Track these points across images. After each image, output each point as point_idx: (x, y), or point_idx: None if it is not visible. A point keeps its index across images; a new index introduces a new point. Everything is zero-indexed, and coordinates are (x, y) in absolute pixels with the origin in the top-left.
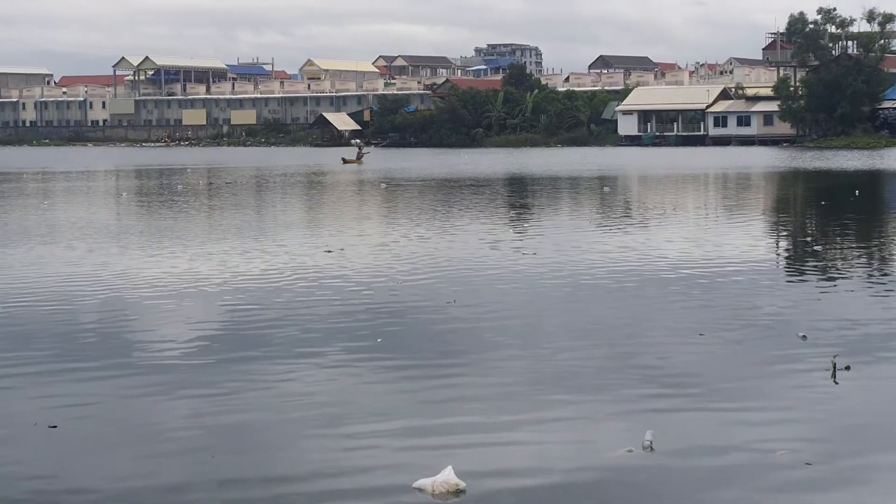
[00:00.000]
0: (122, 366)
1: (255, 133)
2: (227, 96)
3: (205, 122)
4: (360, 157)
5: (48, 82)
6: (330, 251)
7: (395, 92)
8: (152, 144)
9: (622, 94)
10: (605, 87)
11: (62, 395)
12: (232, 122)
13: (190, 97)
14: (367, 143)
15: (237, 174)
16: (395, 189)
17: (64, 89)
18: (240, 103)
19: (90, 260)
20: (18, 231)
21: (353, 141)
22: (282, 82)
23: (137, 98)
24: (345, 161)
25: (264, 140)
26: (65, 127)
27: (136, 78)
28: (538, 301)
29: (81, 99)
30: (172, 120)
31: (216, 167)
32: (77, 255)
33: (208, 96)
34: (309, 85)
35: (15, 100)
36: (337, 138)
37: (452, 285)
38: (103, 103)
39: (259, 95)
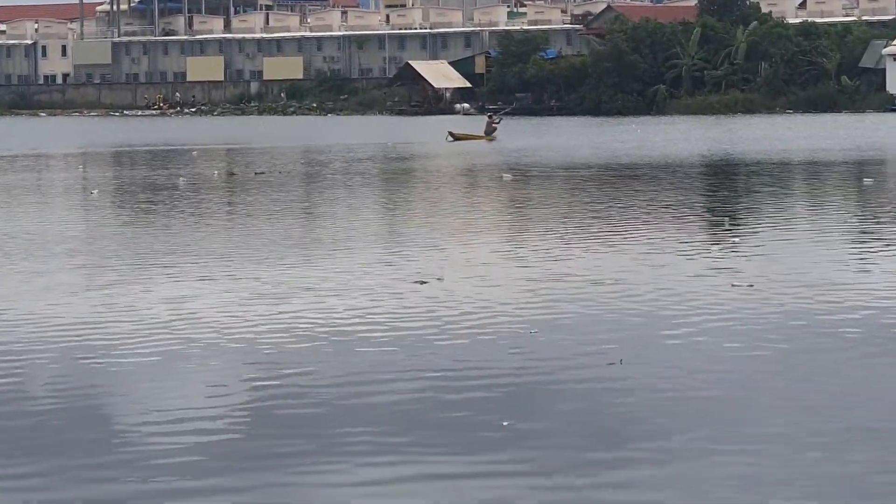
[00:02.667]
0: (99, 465)
1: (301, 93)
2: (258, 35)
3: (222, 77)
4: (491, 130)
5: None
6: (424, 282)
7: (526, 27)
8: (139, 112)
9: (894, 29)
10: (865, 18)
11: None
12: (265, 77)
13: (198, 37)
14: (487, 110)
15: (274, 159)
16: (524, 182)
17: (2, 27)
18: (278, 46)
19: (48, 295)
20: None
21: (458, 106)
22: (344, 13)
23: (116, 39)
24: (454, 137)
25: (316, 104)
26: (4, 86)
27: (115, 7)
28: (755, 362)
29: (29, 42)
30: (171, 73)
31: (239, 148)
32: (28, 287)
33: (227, 35)
34: (388, 17)
35: None
36: (433, 101)
37: (617, 336)
38: (63, 48)
39: (308, 34)
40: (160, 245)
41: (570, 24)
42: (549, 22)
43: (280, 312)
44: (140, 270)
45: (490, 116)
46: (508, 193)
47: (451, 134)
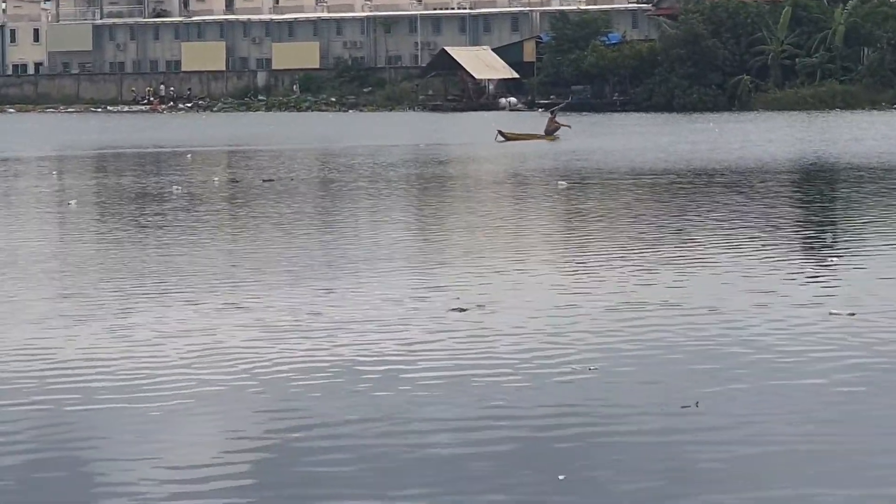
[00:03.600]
0: None
1: (317, 85)
2: (266, 17)
3: (223, 67)
4: (553, 129)
5: None
6: (462, 310)
7: (584, 7)
8: (125, 108)
9: None
10: None
11: None
12: (274, 66)
13: (195, 19)
14: (538, 105)
15: (285, 163)
16: (581, 191)
17: None
18: (289, 30)
19: (21, 327)
20: None
21: (503, 100)
22: None
23: (98, 22)
24: (505, 137)
25: (335, 99)
26: None
27: None
28: (858, 407)
29: None
30: (162, 62)
31: (244, 150)
32: None
33: (230, 17)
34: None
35: None
36: (473, 94)
37: (693, 374)
38: (36, 32)
39: (326, 15)
40: (151, 267)
41: (637, 3)
42: (611, 1)
43: (295, 348)
44: (128, 297)
45: (552, 112)
46: (563, 204)
47: (500, 133)
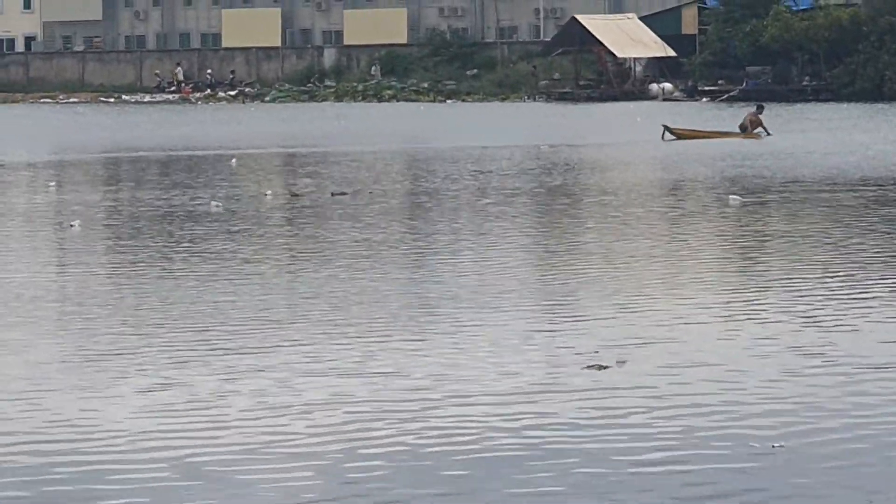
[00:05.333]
0: None
1: (405, 66)
2: None
3: (278, 42)
4: (750, 126)
5: None
6: (603, 367)
7: None
8: (146, 97)
9: None
10: None
11: None
12: (346, 41)
13: None
14: (701, 93)
15: (362, 172)
16: (759, 208)
17: None
18: None
19: (5, 386)
20: None
21: (654, 86)
22: None
23: None
24: (675, 135)
25: (429, 84)
26: None
27: None
28: None
29: None
30: (196, 35)
31: (306, 154)
32: None
33: None
34: None
35: None
36: (615, 79)
37: None
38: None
39: None
40: (181, 311)
41: None
42: None
43: (379, 420)
44: (153, 353)
45: (758, 107)
46: (735, 226)
47: (667, 129)
